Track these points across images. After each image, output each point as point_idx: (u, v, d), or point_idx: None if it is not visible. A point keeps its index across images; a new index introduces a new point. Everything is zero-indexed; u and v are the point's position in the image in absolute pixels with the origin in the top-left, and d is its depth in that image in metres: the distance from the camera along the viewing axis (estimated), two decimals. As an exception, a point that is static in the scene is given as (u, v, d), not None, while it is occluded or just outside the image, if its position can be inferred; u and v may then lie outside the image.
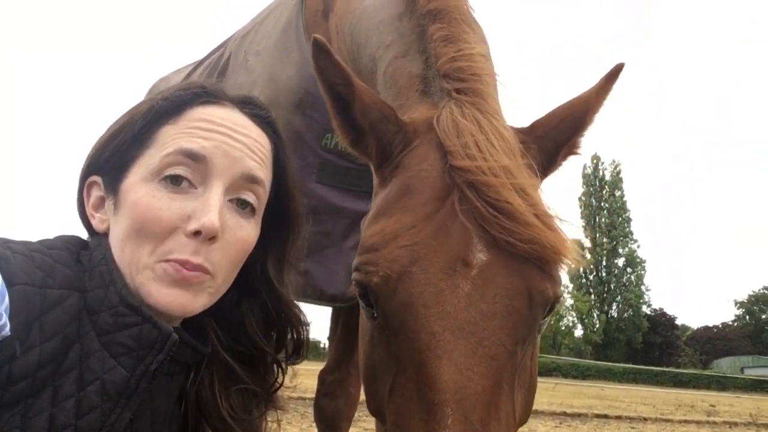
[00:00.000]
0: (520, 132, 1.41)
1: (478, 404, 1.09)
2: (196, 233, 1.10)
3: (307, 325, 1.45)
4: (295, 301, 1.43)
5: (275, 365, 1.41)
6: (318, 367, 3.04)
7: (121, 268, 1.14)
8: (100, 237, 1.21)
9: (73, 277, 1.10)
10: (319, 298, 2.38)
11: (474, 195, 1.21)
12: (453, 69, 1.47)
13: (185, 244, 1.11)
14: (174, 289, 1.11)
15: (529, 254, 1.18)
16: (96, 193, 1.24)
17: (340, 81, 1.38)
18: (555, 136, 1.43)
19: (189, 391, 1.26)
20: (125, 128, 1.21)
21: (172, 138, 1.16)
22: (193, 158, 1.13)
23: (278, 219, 1.35)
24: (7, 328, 0.95)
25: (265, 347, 1.36)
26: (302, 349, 1.45)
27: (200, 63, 3.39)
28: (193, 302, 1.14)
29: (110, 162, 1.20)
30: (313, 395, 2.98)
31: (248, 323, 1.34)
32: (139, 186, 1.14)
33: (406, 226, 1.21)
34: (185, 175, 1.13)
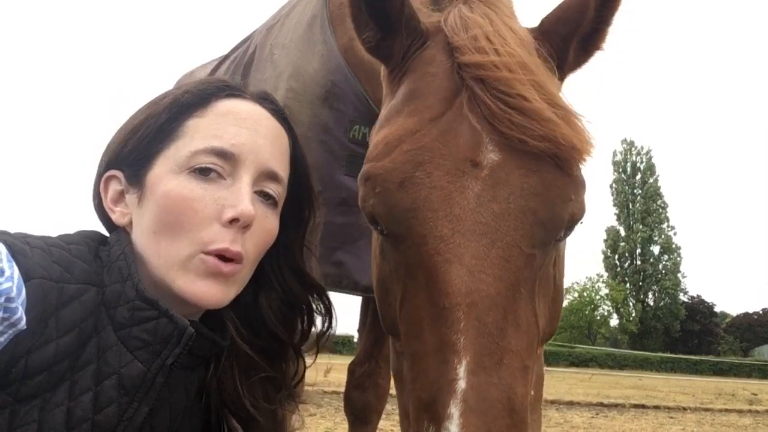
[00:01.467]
0: (533, 31, 1.34)
1: (493, 307, 1.03)
2: (233, 221, 1.12)
3: (331, 310, 1.44)
4: (326, 290, 1.44)
5: (297, 357, 1.40)
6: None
7: (151, 260, 1.14)
8: (119, 232, 1.21)
9: (91, 271, 1.11)
10: (354, 289, 2.38)
11: (484, 91, 1.14)
12: None
13: (223, 233, 1.12)
14: (207, 280, 1.12)
15: (543, 152, 1.11)
16: (115, 187, 1.23)
17: None
18: (558, 29, 1.33)
19: (209, 384, 1.26)
20: (148, 121, 1.21)
21: (200, 132, 1.17)
22: (223, 156, 1.15)
23: (297, 210, 1.35)
24: (23, 322, 0.96)
25: (286, 340, 1.35)
26: (331, 321, 1.44)
27: (226, 58, 3.40)
28: (225, 294, 1.15)
29: (133, 155, 1.20)
30: (345, 391, 2.98)
31: (268, 317, 1.33)
32: (168, 178, 1.14)
33: (411, 131, 1.16)
34: (214, 167, 1.15)
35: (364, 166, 1.19)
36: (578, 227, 1.22)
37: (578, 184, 1.16)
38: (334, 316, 1.44)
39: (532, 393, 1.09)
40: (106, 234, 1.26)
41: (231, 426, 1.30)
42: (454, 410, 0.97)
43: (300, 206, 1.36)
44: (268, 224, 1.22)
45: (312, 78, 2.24)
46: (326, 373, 13.44)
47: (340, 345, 38.96)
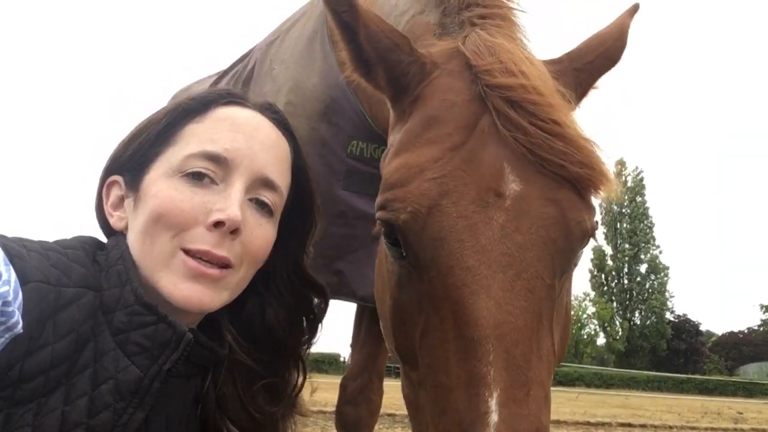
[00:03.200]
0: (551, 63, 1.37)
1: (521, 339, 1.04)
2: (218, 224, 1.11)
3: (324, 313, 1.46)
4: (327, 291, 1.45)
5: (298, 364, 1.41)
6: (337, 380, 3.03)
7: (140, 261, 1.14)
8: (117, 237, 1.21)
9: (89, 275, 1.10)
10: (353, 297, 2.41)
11: (517, 114, 1.15)
12: None
13: (206, 236, 1.12)
14: (192, 283, 1.11)
15: (580, 178, 1.14)
16: (116, 192, 1.24)
17: (343, 8, 1.29)
18: (593, 70, 1.42)
19: (207, 394, 1.25)
20: (149, 127, 1.22)
21: (196, 136, 1.18)
22: (216, 161, 1.15)
23: (300, 219, 1.36)
24: (20, 326, 0.95)
25: (293, 347, 1.36)
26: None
27: (225, 73, 3.42)
28: (212, 299, 1.14)
29: (133, 160, 1.21)
30: (333, 409, 2.96)
31: (275, 327, 1.33)
32: (160, 180, 1.15)
33: (433, 159, 1.16)
34: (207, 172, 1.15)
35: (387, 192, 1.18)
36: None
37: (592, 213, 1.19)
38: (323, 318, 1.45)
39: None
40: (104, 240, 1.25)
41: None
42: None
43: (303, 215, 1.36)
44: (261, 232, 1.21)
45: (311, 93, 2.26)
46: (312, 393, 13.21)
47: (326, 364, 38.64)
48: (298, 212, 1.33)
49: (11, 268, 0.98)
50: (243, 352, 1.28)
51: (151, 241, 1.12)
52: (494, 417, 0.99)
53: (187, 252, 1.11)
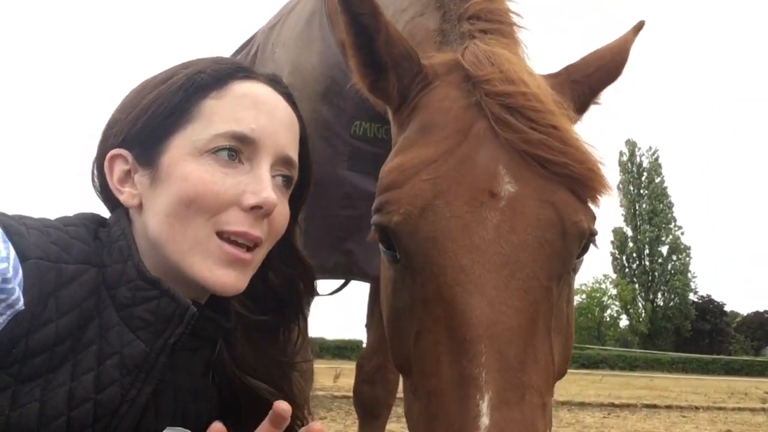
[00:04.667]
0: (549, 77, 1.37)
1: (514, 340, 1.01)
2: (254, 208, 1.12)
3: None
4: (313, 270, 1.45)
5: (298, 324, 1.42)
6: (361, 367, 3.05)
7: (165, 244, 1.12)
8: (118, 213, 1.20)
9: (91, 252, 1.10)
10: (364, 276, 2.44)
11: (517, 119, 1.15)
12: (477, 11, 1.46)
13: (241, 217, 1.12)
14: (226, 268, 1.12)
15: (581, 177, 1.14)
16: (121, 166, 1.19)
17: (365, 11, 1.27)
18: (591, 83, 1.42)
19: (221, 359, 1.25)
20: (160, 99, 1.17)
21: (218, 114, 1.15)
22: (243, 140, 1.14)
23: (299, 191, 1.36)
24: (21, 303, 0.95)
25: (296, 303, 1.36)
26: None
27: (229, 61, 3.42)
28: (243, 281, 1.15)
29: (143, 134, 1.17)
30: (357, 394, 2.98)
31: (277, 288, 1.34)
32: (186, 161, 1.12)
33: (427, 161, 1.16)
34: (235, 151, 1.14)
35: (382, 195, 1.19)
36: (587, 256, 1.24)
37: (590, 216, 1.18)
38: (314, 285, 1.45)
39: None
40: (106, 216, 1.24)
41: (248, 398, 1.29)
42: None
43: (301, 187, 1.36)
44: (283, 208, 1.22)
45: (311, 74, 2.25)
46: (336, 379, 13.44)
47: (349, 350, 38.91)
48: (298, 184, 1.34)
49: (10, 245, 0.98)
50: (251, 314, 1.30)
51: (182, 225, 1.10)
52: (485, 420, 0.96)
53: (221, 234, 1.11)
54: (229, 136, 1.13)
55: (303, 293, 1.38)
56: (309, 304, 1.42)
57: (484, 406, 0.96)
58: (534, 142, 1.14)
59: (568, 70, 1.42)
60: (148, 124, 1.17)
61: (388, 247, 1.18)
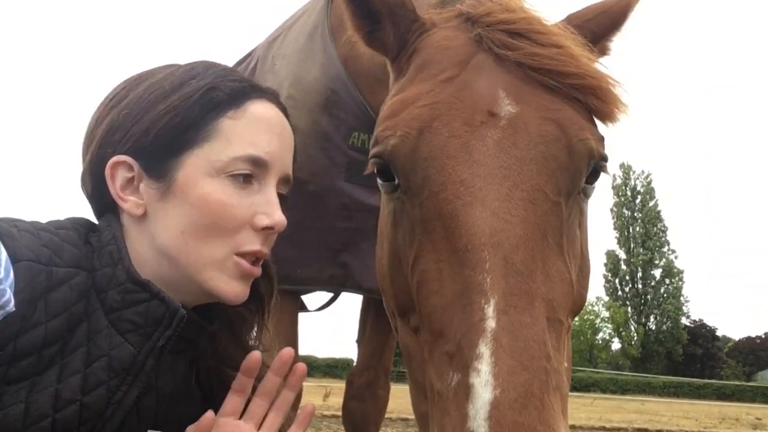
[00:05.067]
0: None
1: (521, 247, 0.95)
2: (266, 228, 1.18)
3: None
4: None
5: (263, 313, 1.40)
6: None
7: (178, 257, 1.14)
8: (108, 218, 1.19)
9: (81, 256, 1.10)
10: (358, 289, 2.42)
11: (521, 41, 1.13)
12: None
13: (253, 236, 1.18)
14: (241, 282, 1.18)
15: (598, 90, 1.12)
16: (123, 174, 1.18)
17: None
18: (593, 27, 1.36)
19: (204, 359, 1.26)
20: (174, 112, 1.16)
21: (238, 136, 1.18)
22: (258, 164, 1.18)
23: None
24: (12, 304, 0.95)
25: (266, 296, 1.37)
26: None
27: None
28: (247, 291, 1.21)
29: (154, 145, 1.16)
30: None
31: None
32: (204, 180, 1.15)
33: (425, 91, 1.14)
34: (251, 174, 1.18)
35: (379, 127, 1.17)
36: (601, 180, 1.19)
37: (592, 128, 1.15)
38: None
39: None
40: (95, 221, 1.24)
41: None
42: (485, 349, 0.88)
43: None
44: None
45: (312, 86, 2.26)
46: (325, 398, 13.36)
47: (339, 369, 38.70)
48: None
49: (2, 246, 0.98)
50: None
51: (198, 243, 1.14)
52: (491, 323, 0.89)
53: (240, 254, 1.17)
54: (247, 159, 1.17)
55: (272, 277, 1.38)
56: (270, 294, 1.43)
57: (490, 310, 0.90)
58: (543, 57, 1.11)
59: (569, 17, 1.38)
60: (161, 136, 1.16)
61: (387, 179, 1.16)
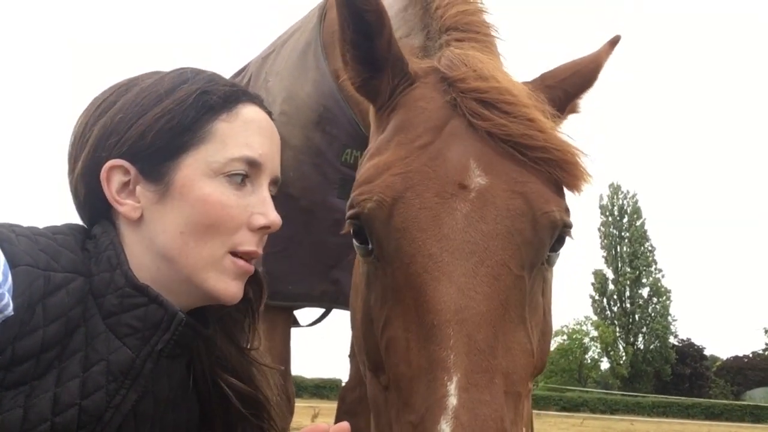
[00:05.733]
0: (524, 83, 1.40)
1: (483, 325, 1.01)
2: (262, 228, 1.21)
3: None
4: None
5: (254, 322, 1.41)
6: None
7: (176, 258, 1.16)
8: (103, 224, 1.20)
9: (78, 261, 1.11)
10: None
11: (492, 112, 1.18)
12: (455, 23, 1.52)
13: (249, 236, 1.21)
14: (238, 281, 1.21)
15: (563, 163, 1.17)
16: (119, 178, 1.19)
17: (370, 8, 1.28)
18: (566, 87, 1.45)
19: (200, 362, 1.27)
20: (168, 116, 1.18)
21: (232, 138, 1.21)
22: (253, 165, 1.22)
23: None
24: (11, 308, 0.96)
25: (256, 303, 1.37)
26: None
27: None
28: (243, 289, 1.23)
29: (151, 149, 1.17)
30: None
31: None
32: (202, 182, 1.17)
33: (400, 157, 1.19)
34: (246, 175, 1.21)
35: (355, 191, 1.22)
36: (564, 252, 1.25)
37: (557, 200, 1.19)
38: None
39: None
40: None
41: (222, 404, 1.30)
42: (445, 427, 0.93)
43: None
44: None
45: (305, 102, 2.28)
46: (314, 418, 13.25)
47: (328, 389, 38.33)
48: None
49: (0, 251, 0.99)
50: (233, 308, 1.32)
51: (197, 243, 1.16)
52: (452, 401, 0.95)
53: (234, 253, 1.19)
54: (243, 160, 1.20)
55: (261, 280, 1.38)
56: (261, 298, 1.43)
57: (452, 387, 0.96)
58: (511, 129, 1.16)
59: (543, 76, 1.46)
60: (157, 139, 1.17)
61: (362, 242, 1.21)
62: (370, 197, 1.16)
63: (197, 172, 1.18)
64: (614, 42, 1.63)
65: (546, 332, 1.22)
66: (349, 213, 1.22)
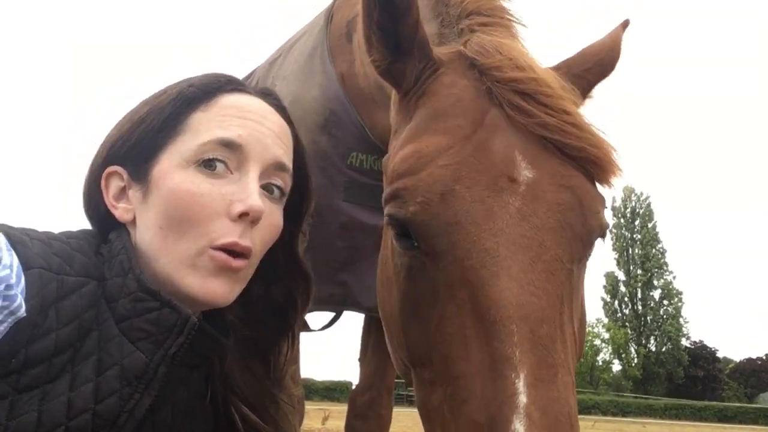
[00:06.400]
0: (552, 69, 1.38)
1: (545, 320, 1.01)
2: (242, 215, 1.11)
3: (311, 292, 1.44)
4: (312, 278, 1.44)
5: (287, 340, 1.39)
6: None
7: (158, 256, 1.12)
8: (119, 230, 1.20)
9: (91, 265, 1.11)
10: (358, 307, 2.43)
11: (531, 105, 1.17)
12: (478, 7, 1.50)
13: (231, 227, 1.11)
14: (218, 279, 1.12)
15: (598, 161, 1.17)
16: (117, 183, 1.20)
17: None
18: (590, 77, 1.45)
19: (214, 379, 1.25)
20: (151, 114, 1.19)
21: (206, 125, 1.16)
22: (230, 147, 1.14)
23: (299, 202, 1.37)
24: (23, 310, 0.96)
25: (292, 322, 1.36)
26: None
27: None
28: (232, 291, 1.15)
29: (136, 150, 1.18)
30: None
31: (278, 304, 1.34)
32: (174, 173, 1.13)
33: (444, 147, 1.16)
34: (222, 159, 1.14)
35: (397, 182, 1.17)
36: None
37: (602, 199, 1.20)
38: (311, 298, 1.43)
39: None
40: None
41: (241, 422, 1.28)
42: (519, 426, 0.93)
43: (301, 198, 1.37)
44: (273, 219, 1.21)
45: (311, 106, 2.29)
46: (324, 421, 13.23)
47: (338, 392, 38.35)
48: (296, 196, 1.34)
49: (13, 253, 0.99)
50: (248, 330, 1.30)
51: (175, 239, 1.11)
52: (523, 398, 0.95)
53: (215, 247, 1.11)
54: (215, 142, 1.14)
55: (299, 309, 1.37)
56: (302, 319, 1.42)
57: (521, 385, 0.96)
58: (550, 126, 1.16)
59: (568, 63, 1.45)
60: (140, 139, 1.18)
61: (403, 234, 1.17)
62: (413, 198, 1.13)
63: (172, 164, 1.14)
64: (625, 26, 1.62)
65: (583, 322, 1.23)
66: (388, 211, 1.18)
